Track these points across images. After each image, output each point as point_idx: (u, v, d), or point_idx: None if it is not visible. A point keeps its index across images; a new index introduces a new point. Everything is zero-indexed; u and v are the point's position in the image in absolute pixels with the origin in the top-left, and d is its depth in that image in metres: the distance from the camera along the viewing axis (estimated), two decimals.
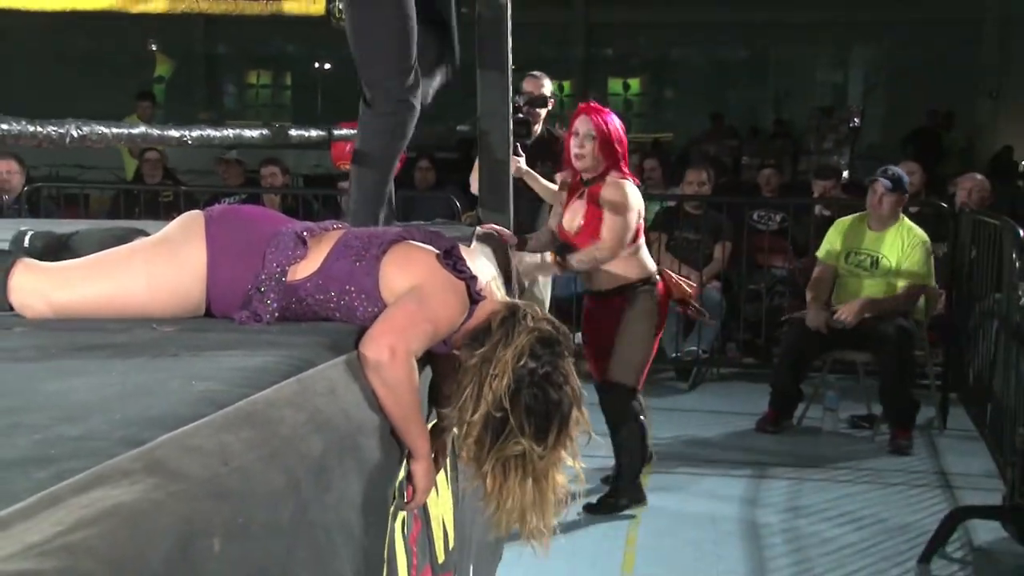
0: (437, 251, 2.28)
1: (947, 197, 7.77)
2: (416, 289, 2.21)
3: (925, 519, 4.71)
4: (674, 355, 7.15)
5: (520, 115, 5.71)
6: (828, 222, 6.68)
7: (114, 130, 1.97)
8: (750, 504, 4.97)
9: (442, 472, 2.68)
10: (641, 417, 4.80)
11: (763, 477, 5.34)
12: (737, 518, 4.79)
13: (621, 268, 4.72)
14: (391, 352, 2.11)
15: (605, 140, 4.65)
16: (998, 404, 5.27)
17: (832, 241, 6.23)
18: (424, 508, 2.50)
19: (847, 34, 19.19)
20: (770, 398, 6.21)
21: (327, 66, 20.03)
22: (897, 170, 6.24)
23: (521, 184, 5.57)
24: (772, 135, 15.97)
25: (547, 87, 5.99)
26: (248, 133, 3.00)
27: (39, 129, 1.66)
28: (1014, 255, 4.94)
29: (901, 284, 5.95)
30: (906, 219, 6.13)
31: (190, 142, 2.55)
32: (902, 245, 5.97)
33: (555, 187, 5.59)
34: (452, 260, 2.27)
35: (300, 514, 1.66)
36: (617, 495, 4.83)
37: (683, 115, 18.78)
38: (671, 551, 4.42)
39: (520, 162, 5.57)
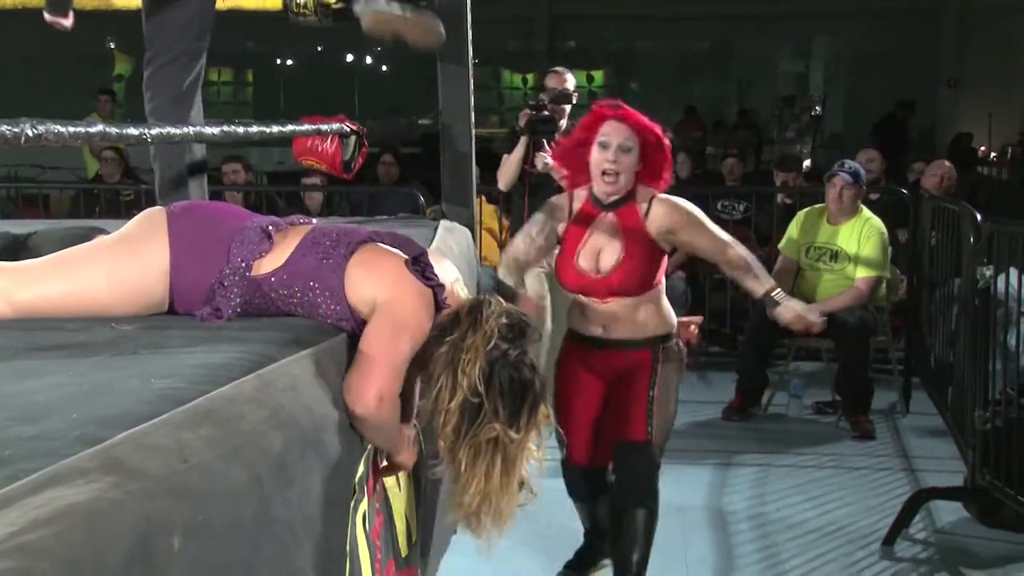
0: (406, 257, 2.27)
1: (908, 184, 7.83)
2: (386, 309, 2.21)
3: (889, 501, 4.75)
4: None
5: (545, 112, 5.72)
6: (791, 210, 6.72)
7: (71, 129, 1.95)
8: (717, 491, 4.99)
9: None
10: None
11: (730, 464, 5.36)
12: (704, 506, 4.80)
13: (654, 313, 3.70)
14: (378, 402, 2.14)
15: (655, 149, 3.65)
16: (959, 387, 5.31)
17: (792, 234, 6.27)
18: (387, 502, 2.50)
19: (809, 25, 19.28)
20: (736, 385, 6.24)
21: (289, 62, 19.94)
22: (855, 164, 6.29)
23: (548, 179, 5.60)
24: (735, 125, 16.04)
25: (571, 82, 5.95)
26: (209, 130, 2.97)
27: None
28: (973, 239, 4.97)
29: (859, 275, 6.00)
30: (865, 210, 6.17)
31: (149, 140, 2.52)
32: (859, 237, 6.03)
33: None
34: (420, 267, 2.26)
35: (262, 511, 1.66)
36: None
37: (647, 107, 18.71)
38: None
39: (547, 158, 5.60)
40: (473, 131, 5.03)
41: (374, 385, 2.14)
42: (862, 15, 17.93)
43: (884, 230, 6.08)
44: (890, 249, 6.16)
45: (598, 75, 19.78)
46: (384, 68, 20.63)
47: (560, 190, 5.03)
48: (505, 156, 5.89)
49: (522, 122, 5.83)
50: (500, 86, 20.29)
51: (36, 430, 1.47)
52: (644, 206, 3.60)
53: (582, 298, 3.74)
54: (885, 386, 6.43)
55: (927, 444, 5.69)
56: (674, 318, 3.76)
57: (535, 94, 6.06)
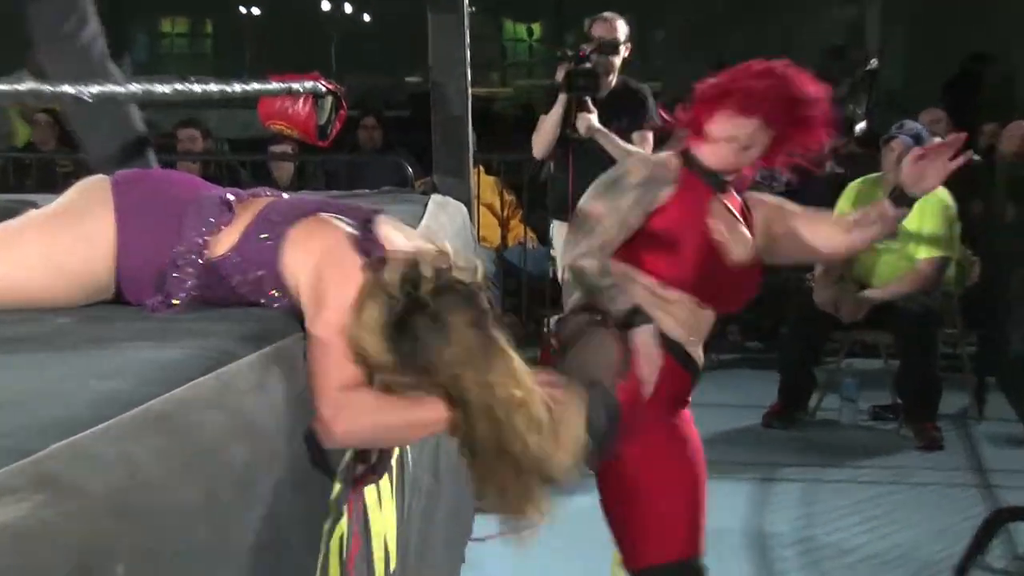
0: (349, 226, 2.23)
1: (981, 149, 7.83)
2: (317, 302, 2.18)
3: (961, 523, 4.75)
4: None
5: (588, 64, 5.68)
6: (842, 181, 6.71)
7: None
8: (758, 511, 5.00)
9: (387, 485, 2.68)
10: None
11: (772, 480, 5.37)
12: (743, 529, 4.81)
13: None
14: (345, 435, 2.12)
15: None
16: None
17: (843, 208, 6.24)
18: (366, 525, 2.50)
19: None
20: (779, 387, 6.24)
21: (255, 11, 19.97)
22: (915, 125, 6.29)
23: (594, 146, 5.57)
24: None
25: (622, 31, 5.94)
26: (160, 88, 2.96)
27: None
28: None
29: (921, 255, 5.98)
30: None
31: (89, 100, 2.52)
32: (921, 211, 5.99)
33: (636, 148, 5.56)
34: (364, 237, 2.22)
35: (220, 534, 1.65)
36: None
37: (675, 61, 18.83)
38: None
39: (592, 119, 5.57)
40: (469, 90, 5.03)
41: (328, 406, 2.09)
42: None
43: (951, 203, 6.07)
44: (959, 225, 6.14)
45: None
46: (366, 18, 20.65)
47: (610, 159, 5.08)
48: (541, 117, 5.86)
49: (560, 76, 5.78)
50: (502, 37, 20.32)
51: None
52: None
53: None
54: (955, 387, 6.43)
55: (1005, 455, 5.69)
56: None
57: (576, 43, 5.99)
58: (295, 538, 1.98)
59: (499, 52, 20.17)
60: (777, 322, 7.30)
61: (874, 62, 16.00)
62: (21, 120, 10.18)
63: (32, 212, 2.47)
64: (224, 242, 2.27)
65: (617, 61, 5.82)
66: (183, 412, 1.70)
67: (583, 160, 5.62)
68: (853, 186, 6.34)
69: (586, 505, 3.87)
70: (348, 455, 2.32)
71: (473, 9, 4.97)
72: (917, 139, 6.06)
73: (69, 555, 1.29)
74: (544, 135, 5.79)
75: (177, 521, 1.54)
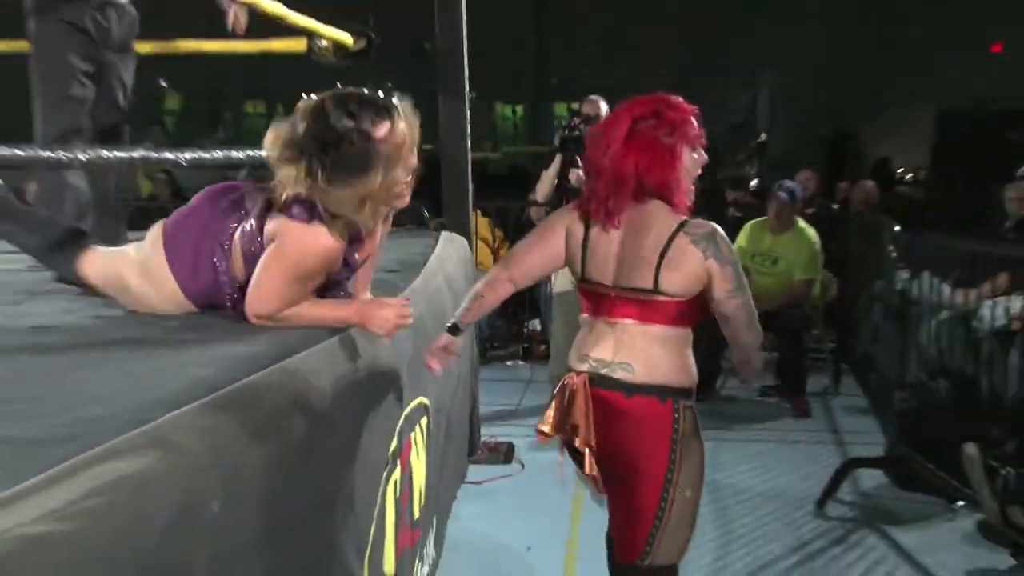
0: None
1: (837, 200, 7.87)
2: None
3: (821, 469, 4.75)
4: None
5: (577, 132, 5.68)
6: (740, 223, 6.73)
7: (116, 153, 1.96)
8: None
9: (421, 440, 2.67)
10: None
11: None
12: None
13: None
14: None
15: None
16: (880, 373, 5.34)
17: (740, 243, 6.28)
18: (409, 477, 2.49)
19: (754, 64, 19.35)
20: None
21: (312, 96, 19.92)
22: (792, 184, 6.32)
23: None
24: None
25: (603, 108, 5.86)
26: (236, 154, 2.97)
27: (51, 155, 1.64)
28: (891, 248, 5.00)
29: (796, 276, 6.02)
30: (800, 222, 6.19)
31: (184, 164, 2.53)
32: (796, 247, 6.05)
33: None
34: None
35: (288, 482, 1.66)
36: None
37: None
38: None
39: (580, 173, 5.59)
40: (469, 155, 5.03)
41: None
42: (796, 56, 18.06)
43: (816, 240, 6.10)
44: (822, 255, 6.18)
45: (575, 105, 19.77)
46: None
47: None
48: (544, 172, 5.87)
49: (556, 141, 5.80)
50: (492, 116, 20.28)
51: (97, 412, 1.48)
52: None
53: None
54: (819, 371, 6.44)
55: (854, 421, 5.69)
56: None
57: (570, 117, 6.00)
58: (353, 485, 1.97)
59: (490, 126, 20.12)
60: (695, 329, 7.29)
61: (764, 136, 16.07)
62: (145, 177, 10.14)
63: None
64: (237, 259, 2.27)
65: None
66: (257, 392, 1.71)
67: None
68: (747, 226, 6.36)
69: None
70: (405, 412, 2.31)
71: (473, 94, 4.96)
72: (791, 193, 6.10)
73: (178, 496, 1.30)
74: (545, 185, 5.81)
75: (254, 472, 1.55)
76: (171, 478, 1.31)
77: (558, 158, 5.70)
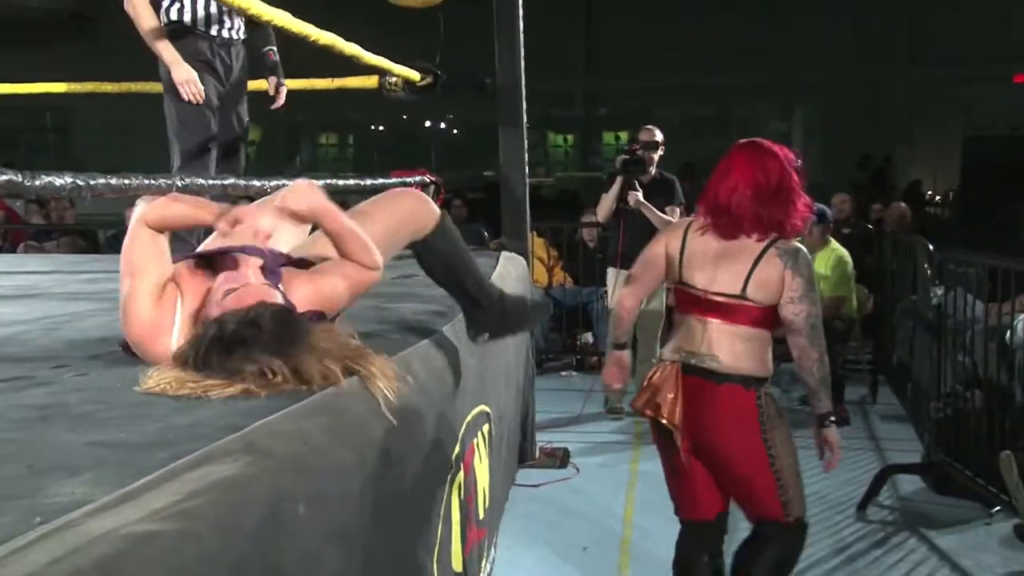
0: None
1: (872, 221, 7.74)
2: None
3: (861, 475, 4.66)
4: (660, 349, 7.11)
5: (638, 155, 5.69)
6: None
7: (208, 181, 1.97)
8: None
9: (483, 445, 2.65)
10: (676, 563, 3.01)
11: None
12: None
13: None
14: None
15: None
16: (916, 383, 5.23)
17: None
18: (474, 479, 2.47)
19: (791, 94, 19.18)
20: None
21: (381, 128, 20.10)
22: (822, 206, 6.21)
23: (639, 214, 5.59)
24: None
25: (658, 136, 5.87)
26: (319, 182, 2.99)
27: (152, 181, 1.66)
28: (926, 265, 4.90)
29: (827, 295, 5.91)
30: (833, 242, 6.07)
31: (269, 190, 2.55)
32: (828, 265, 5.94)
33: (667, 217, 5.60)
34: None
35: (368, 484, 1.65)
36: None
37: (663, 162, 18.74)
38: (662, 505, 4.35)
39: (639, 195, 5.60)
40: (527, 180, 5.03)
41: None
42: (833, 85, 17.87)
43: (848, 258, 6.00)
44: (854, 273, 6.06)
45: (623, 135, 19.74)
46: (455, 131, 20.74)
47: (652, 226, 5.23)
48: (604, 194, 5.86)
49: (618, 164, 5.78)
50: (546, 144, 20.32)
51: (191, 419, 1.48)
52: None
53: None
54: (857, 382, 6.32)
55: (891, 428, 5.58)
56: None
57: (630, 143, 5.99)
58: (423, 487, 1.96)
59: (544, 154, 20.15)
60: None
61: (799, 161, 15.90)
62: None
63: None
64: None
65: (656, 156, 5.79)
66: (339, 402, 1.70)
67: (631, 224, 5.64)
68: None
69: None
70: (467, 419, 2.29)
71: (529, 125, 4.97)
72: (822, 215, 5.99)
73: (265, 499, 1.30)
74: (605, 206, 5.78)
75: (338, 475, 1.54)
76: (261, 481, 1.31)
77: (619, 180, 5.68)
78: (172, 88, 3.47)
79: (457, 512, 2.26)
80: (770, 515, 2.75)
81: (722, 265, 2.69)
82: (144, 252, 1.83)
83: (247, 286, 1.73)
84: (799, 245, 2.70)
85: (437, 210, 2.24)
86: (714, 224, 2.72)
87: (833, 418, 2.85)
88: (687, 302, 2.78)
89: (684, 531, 2.92)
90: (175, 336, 1.77)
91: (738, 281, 2.66)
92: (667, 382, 2.70)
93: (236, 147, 3.78)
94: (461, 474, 2.29)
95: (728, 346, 2.67)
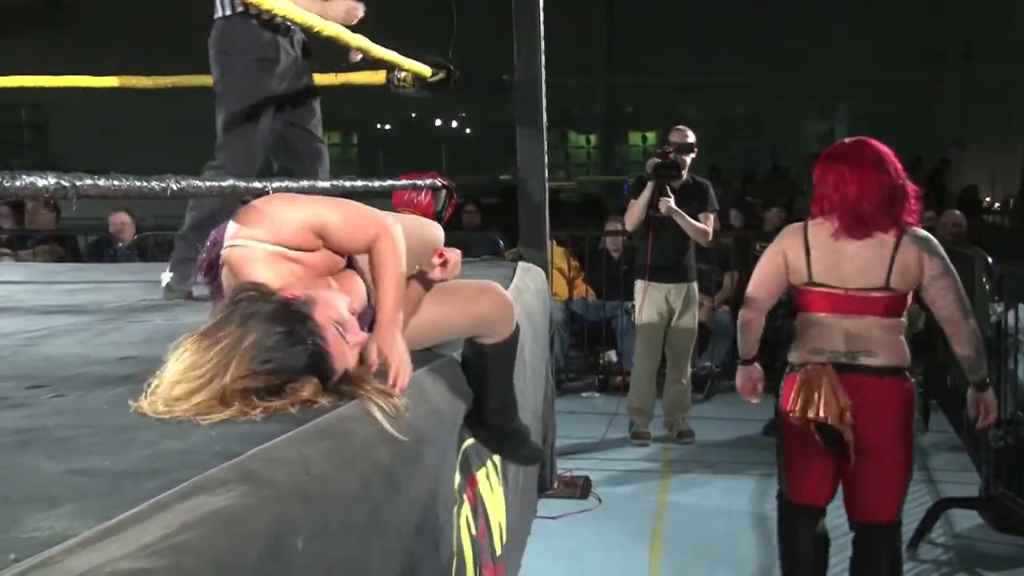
0: None
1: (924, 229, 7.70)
2: None
3: (912, 509, 4.60)
4: (691, 369, 7.08)
5: (670, 158, 5.67)
6: None
7: (205, 183, 1.97)
8: (760, 498, 4.89)
9: (495, 476, 2.65)
10: (785, 539, 3.44)
11: (770, 475, 5.21)
12: (748, 511, 4.71)
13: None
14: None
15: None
16: None
17: None
18: (484, 508, 2.47)
19: (832, 92, 19.14)
20: (775, 406, 6.10)
21: (387, 127, 20.16)
22: None
23: (671, 222, 5.58)
24: (769, 179, 15.85)
25: (691, 137, 5.85)
26: (321, 184, 2.99)
27: (144, 184, 1.66)
28: (984, 280, 4.86)
29: None
30: None
31: (270, 192, 2.56)
32: None
33: (701, 225, 5.64)
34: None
35: (373, 514, 1.64)
36: None
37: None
38: (692, 541, 4.36)
39: (671, 202, 5.58)
40: (546, 184, 5.02)
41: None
42: (878, 84, 17.81)
43: None
44: None
45: (650, 136, 19.75)
46: (468, 131, 20.79)
47: (683, 236, 5.49)
48: (632, 201, 5.82)
49: (649, 168, 5.75)
50: (566, 145, 20.34)
51: (183, 445, 1.48)
52: None
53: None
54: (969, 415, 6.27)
55: (945, 458, 5.53)
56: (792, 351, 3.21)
57: (663, 145, 5.95)
58: (433, 518, 1.95)
59: (564, 156, 20.17)
60: (774, 359, 7.17)
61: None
62: None
63: None
64: None
65: (688, 160, 5.76)
66: (343, 424, 1.69)
67: (661, 233, 5.64)
68: None
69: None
70: (463, 449, 2.29)
71: (548, 124, 4.96)
72: None
73: (264, 531, 1.29)
74: (635, 214, 5.73)
75: (341, 505, 1.53)
76: (260, 512, 1.29)
77: (649, 186, 5.64)
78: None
79: (469, 547, 2.24)
80: (884, 515, 3.14)
81: (858, 263, 3.01)
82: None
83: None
84: (927, 232, 3.08)
85: (514, 324, 2.37)
86: (844, 226, 3.01)
87: (989, 381, 3.21)
88: (819, 302, 3.08)
89: (791, 512, 3.30)
90: (266, 270, 1.86)
91: (881, 273, 2.99)
92: (822, 383, 2.98)
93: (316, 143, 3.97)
94: (466, 506, 2.28)
95: (879, 340, 3.00)
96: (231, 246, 1.92)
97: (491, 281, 2.42)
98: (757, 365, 3.34)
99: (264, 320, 1.69)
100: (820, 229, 3.08)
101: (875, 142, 3.15)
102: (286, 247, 1.91)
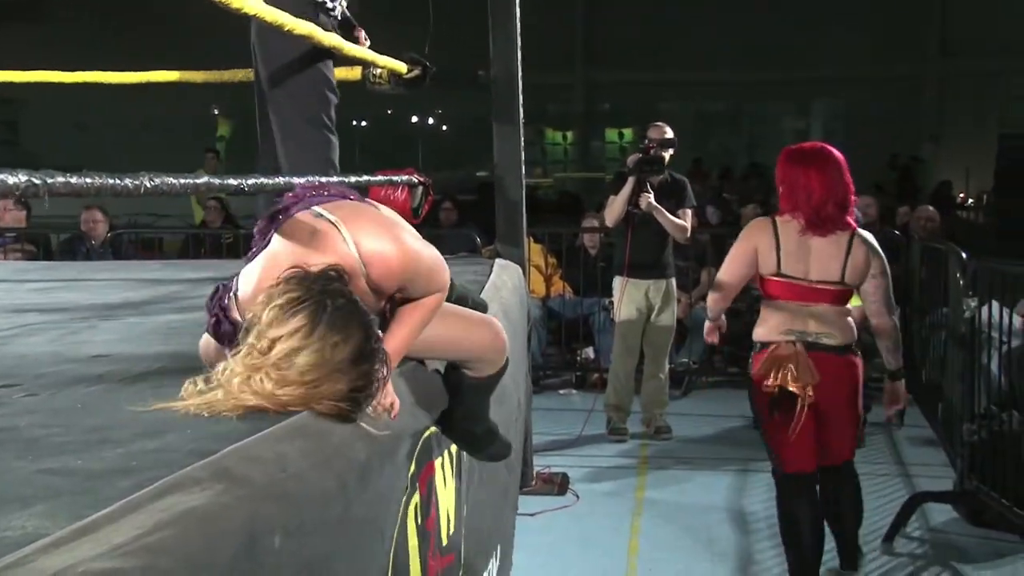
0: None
1: (898, 225, 7.75)
2: None
3: (888, 504, 4.66)
4: (668, 365, 7.10)
5: (653, 154, 5.68)
6: None
7: (180, 180, 1.95)
8: (737, 494, 4.92)
9: (449, 469, 2.64)
10: (783, 511, 3.74)
11: (747, 471, 5.27)
12: (727, 507, 4.74)
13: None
14: None
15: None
16: (948, 403, 5.22)
17: None
18: (436, 497, 2.46)
19: (809, 89, 19.23)
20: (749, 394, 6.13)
21: (363, 123, 20.11)
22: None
23: (650, 218, 5.59)
24: (746, 175, 15.92)
25: (669, 133, 5.86)
26: (297, 180, 2.97)
27: (117, 182, 1.65)
28: (958, 275, 4.90)
29: (851, 305, 5.87)
30: None
31: (247, 189, 2.53)
32: None
33: (680, 221, 5.69)
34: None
35: (344, 511, 1.64)
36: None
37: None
38: (670, 537, 4.38)
39: (651, 198, 5.59)
40: (523, 181, 5.02)
41: None
42: (855, 81, 17.91)
43: None
44: None
45: (627, 132, 19.79)
46: (444, 127, 20.76)
47: (662, 232, 5.65)
48: (611, 196, 5.83)
49: (631, 163, 5.76)
50: (543, 142, 20.35)
51: (157, 444, 1.47)
52: None
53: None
54: (882, 402, 6.31)
55: (920, 453, 5.58)
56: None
57: (643, 140, 5.95)
58: (386, 509, 1.94)
59: (541, 153, 20.18)
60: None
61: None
62: (197, 205, 10.30)
63: None
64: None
65: (667, 156, 5.78)
66: (319, 422, 1.68)
67: (639, 230, 5.67)
68: None
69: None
70: (423, 437, 2.27)
71: (524, 121, 4.96)
72: None
73: (240, 530, 1.28)
74: (615, 210, 5.74)
75: (317, 502, 1.53)
76: (236, 511, 1.29)
77: (630, 181, 5.65)
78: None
79: (413, 535, 2.23)
80: (848, 454, 3.69)
81: (821, 258, 3.48)
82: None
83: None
84: (870, 233, 3.59)
85: (504, 361, 2.38)
86: (810, 225, 3.45)
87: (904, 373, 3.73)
88: (786, 291, 3.52)
89: (787, 484, 3.64)
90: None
91: (838, 269, 3.48)
92: (792, 358, 3.46)
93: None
94: (416, 495, 2.26)
95: (838, 325, 3.51)
96: (324, 218, 1.88)
97: (494, 318, 2.42)
98: (723, 318, 3.87)
99: (360, 324, 1.67)
100: (788, 226, 3.51)
101: (832, 148, 3.58)
102: (368, 276, 1.87)
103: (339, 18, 3.74)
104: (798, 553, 3.63)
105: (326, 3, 3.59)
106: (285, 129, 3.56)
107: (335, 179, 2.76)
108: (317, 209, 1.92)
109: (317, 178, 3.06)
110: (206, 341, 1.97)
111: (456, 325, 2.25)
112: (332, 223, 1.88)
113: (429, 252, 2.00)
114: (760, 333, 3.59)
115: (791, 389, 3.43)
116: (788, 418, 3.47)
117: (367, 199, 2.19)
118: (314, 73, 3.50)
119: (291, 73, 3.51)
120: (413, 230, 2.05)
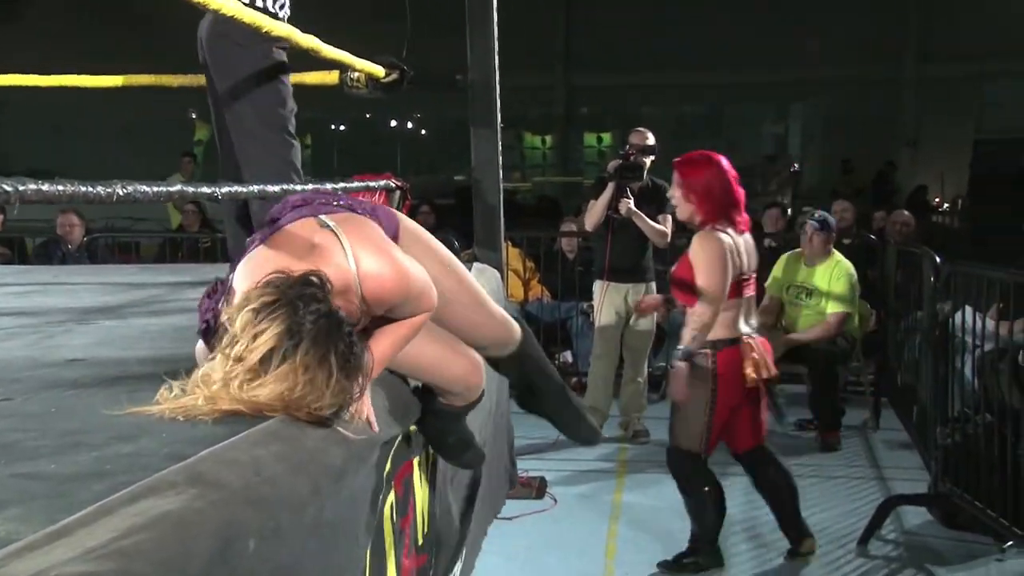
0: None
1: (874, 230, 7.81)
2: None
3: (863, 506, 4.69)
4: (647, 369, 7.12)
5: (633, 160, 5.71)
6: (776, 253, 6.68)
7: (153, 188, 1.95)
8: None
9: (425, 466, 2.65)
10: (706, 488, 4.06)
11: (724, 474, 5.27)
12: None
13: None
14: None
15: (692, 192, 3.93)
16: (922, 407, 5.27)
17: (776, 274, 6.22)
18: (411, 501, 2.47)
19: (787, 93, 19.33)
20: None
21: (342, 128, 20.07)
22: (824, 213, 6.26)
23: (629, 223, 5.61)
24: None
25: (651, 139, 5.89)
26: (271, 188, 2.97)
27: (90, 189, 1.65)
28: (933, 279, 4.95)
29: (830, 311, 5.93)
30: (836, 253, 6.10)
31: (220, 197, 2.53)
32: (830, 278, 5.97)
33: (660, 227, 5.74)
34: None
35: (319, 514, 1.64)
36: (694, 555, 4.08)
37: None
38: (646, 541, 4.40)
39: (631, 203, 5.62)
40: (501, 185, 5.03)
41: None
42: (833, 85, 18.01)
43: (853, 271, 6.02)
44: (859, 287, 6.09)
45: (606, 136, 19.83)
46: (423, 132, 20.74)
47: (641, 237, 5.72)
48: (592, 201, 5.87)
49: (611, 168, 5.79)
50: (522, 145, 20.35)
51: (132, 448, 1.47)
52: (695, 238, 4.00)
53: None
54: (858, 405, 6.37)
55: (895, 456, 5.62)
56: (717, 335, 3.86)
57: (620, 145, 6.02)
58: (361, 509, 1.95)
59: (520, 157, 20.18)
60: None
61: (796, 166, 16.06)
62: (174, 209, 10.25)
63: None
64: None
65: (647, 162, 5.80)
66: (293, 427, 1.69)
67: (619, 234, 5.71)
68: (783, 257, 6.30)
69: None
70: (400, 436, 2.28)
71: (503, 125, 4.97)
72: (824, 223, 6.03)
73: (214, 534, 1.29)
74: (595, 214, 5.80)
75: (291, 506, 1.53)
76: (210, 515, 1.29)
77: (610, 187, 5.69)
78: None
79: (389, 534, 2.25)
80: (763, 435, 4.15)
81: (750, 252, 3.95)
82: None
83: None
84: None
85: (477, 396, 2.43)
86: (745, 223, 3.96)
87: (691, 354, 3.84)
88: (746, 288, 3.92)
89: (699, 465, 4.05)
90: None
91: (755, 261, 4.00)
92: (767, 350, 3.90)
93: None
94: (392, 494, 2.28)
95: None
96: (328, 228, 1.92)
97: (479, 357, 2.45)
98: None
99: (338, 334, 1.68)
100: (732, 229, 3.90)
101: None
102: (361, 294, 1.89)
103: (286, 22, 3.73)
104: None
105: (275, 11, 3.57)
106: (245, 135, 3.54)
107: (298, 185, 2.75)
108: (323, 218, 1.94)
109: (327, 184, 3.09)
110: (202, 344, 1.98)
111: (437, 351, 2.26)
112: (335, 234, 1.90)
113: (421, 276, 2.03)
114: (719, 332, 3.85)
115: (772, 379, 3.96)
116: (750, 405, 3.99)
117: (376, 212, 2.17)
118: (274, 82, 3.49)
119: (251, 83, 3.49)
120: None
